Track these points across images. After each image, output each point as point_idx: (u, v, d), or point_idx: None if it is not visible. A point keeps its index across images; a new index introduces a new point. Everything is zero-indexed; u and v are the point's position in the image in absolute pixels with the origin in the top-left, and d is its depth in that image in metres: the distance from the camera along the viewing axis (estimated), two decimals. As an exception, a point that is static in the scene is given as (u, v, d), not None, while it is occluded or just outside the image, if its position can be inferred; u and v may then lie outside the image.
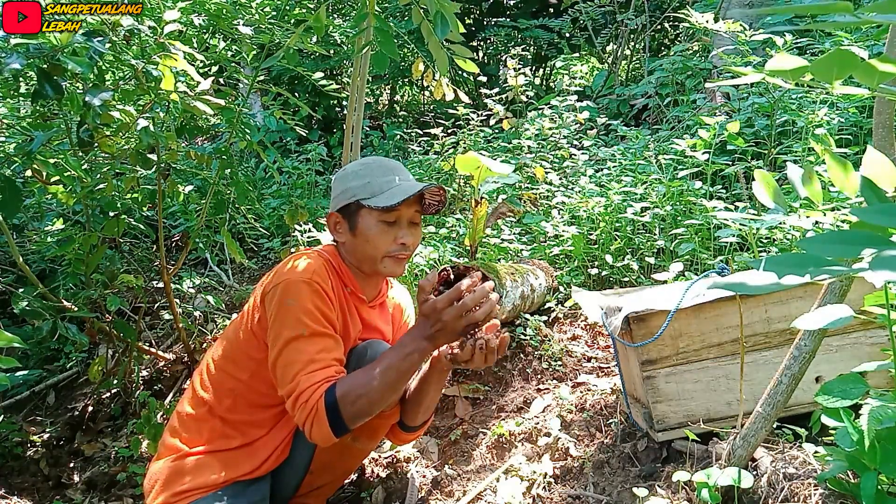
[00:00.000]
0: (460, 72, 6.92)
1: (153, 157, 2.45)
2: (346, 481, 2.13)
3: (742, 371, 1.51)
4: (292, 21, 2.74)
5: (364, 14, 2.20)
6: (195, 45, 2.72)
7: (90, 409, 2.93)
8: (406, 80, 7.68)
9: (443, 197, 1.73)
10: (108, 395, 2.97)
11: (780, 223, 2.16)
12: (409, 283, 2.91)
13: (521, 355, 2.57)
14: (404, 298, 2.02)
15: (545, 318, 2.73)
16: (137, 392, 2.89)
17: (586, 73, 7.67)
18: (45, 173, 2.51)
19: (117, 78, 2.61)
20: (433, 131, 4.85)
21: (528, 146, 4.02)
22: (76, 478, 2.61)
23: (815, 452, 1.39)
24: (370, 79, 6.47)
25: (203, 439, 1.64)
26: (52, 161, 2.52)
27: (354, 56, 2.28)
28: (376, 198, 1.63)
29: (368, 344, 1.73)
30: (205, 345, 2.98)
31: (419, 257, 2.90)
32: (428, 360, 1.72)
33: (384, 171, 1.68)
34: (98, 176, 2.52)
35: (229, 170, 2.58)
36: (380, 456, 2.21)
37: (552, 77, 7.51)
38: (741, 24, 3.37)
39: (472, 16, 7.64)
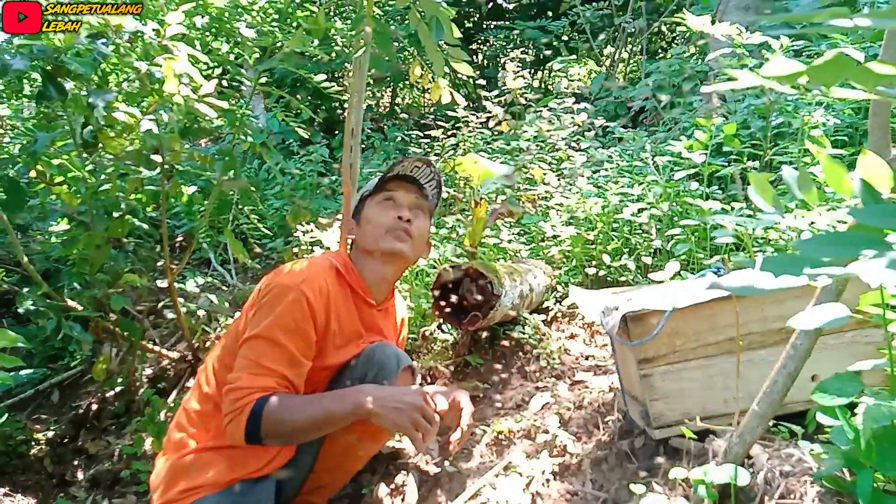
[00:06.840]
0: (459, 74, 6.93)
1: (157, 158, 2.47)
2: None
3: (738, 369, 1.53)
4: (294, 24, 2.76)
5: (361, 16, 2.23)
6: (198, 47, 2.74)
7: (94, 407, 2.95)
8: (406, 82, 7.71)
9: (437, 176, 1.85)
10: (112, 393, 2.99)
11: (776, 223, 2.18)
12: (410, 282, 2.94)
13: (520, 354, 2.59)
14: (402, 310, 2.08)
15: (544, 316, 2.75)
16: (141, 390, 2.91)
17: (584, 76, 7.69)
18: (48, 174, 2.53)
19: (121, 80, 2.63)
20: (433, 133, 4.87)
21: (527, 147, 4.04)
22: (80, 475, 2.63)
23: (811, 450, 1.39)
24: (371, 81, 6.48)
25: (210, 435, 1.66)
26: (56, 162, 2.54)
27: (353, 58, 2.31)
28: (373, 187, 1.80)
29: (377, 346, 1.77)
30: (208, 343, 3.00)
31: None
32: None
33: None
34: (102, 177, 2.54)
35: (232, 171, 2.61)
36: (380, 452, 2.23)
37: (550, 80, 7.54)
38: (738, 28, 3.39)
39: (471, 19, 7.67)
